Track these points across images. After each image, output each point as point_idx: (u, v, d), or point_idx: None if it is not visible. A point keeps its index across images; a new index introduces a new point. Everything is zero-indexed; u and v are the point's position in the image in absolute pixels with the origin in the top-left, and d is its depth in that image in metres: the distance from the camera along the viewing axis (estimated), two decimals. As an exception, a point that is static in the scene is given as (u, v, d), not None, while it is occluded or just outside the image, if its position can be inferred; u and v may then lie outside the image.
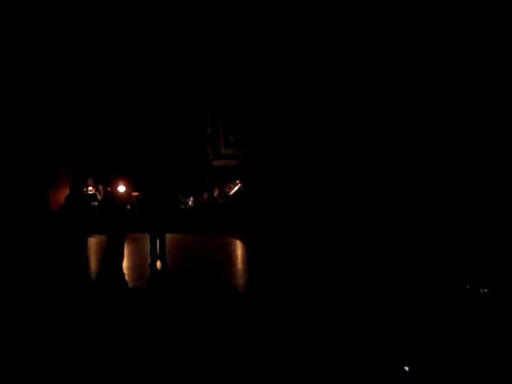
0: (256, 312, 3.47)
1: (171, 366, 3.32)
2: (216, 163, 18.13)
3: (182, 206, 16.29)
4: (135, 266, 10.99)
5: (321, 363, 3.01)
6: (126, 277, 8.28)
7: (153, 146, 17.11)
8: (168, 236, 11.05)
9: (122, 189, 14.76)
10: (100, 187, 16.04)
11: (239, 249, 12.43)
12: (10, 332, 3.35)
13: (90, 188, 16.18)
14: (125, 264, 10.88)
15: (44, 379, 3.06)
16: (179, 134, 17.90)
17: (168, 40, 14.78)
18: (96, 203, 13.89)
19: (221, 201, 16.40)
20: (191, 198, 16.30)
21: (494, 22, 9.02)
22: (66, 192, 10.82)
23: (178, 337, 3.53)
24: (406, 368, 2.88)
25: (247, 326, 3.58)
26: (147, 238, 10.90)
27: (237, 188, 16.17)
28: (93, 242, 12.76)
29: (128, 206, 12.87)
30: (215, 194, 16.41)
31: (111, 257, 8.57)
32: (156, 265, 10.66)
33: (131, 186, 15.99)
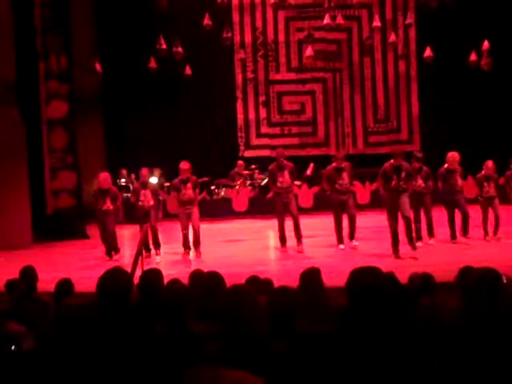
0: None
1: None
2: (247, 154, 18.05)
3: (215, 197, 16.27)
4: (168, 255, 10.99)
5: None
6: (160, 266, 8.27)
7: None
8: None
9: (154, 180, 14.77)
10: (133, 178, 16.10)
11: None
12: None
13: (124, 180, 16.23)
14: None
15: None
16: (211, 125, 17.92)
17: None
18: (129, 194, 13.90)
19: (252, 192, 16.33)
20: (223, 189, 16.26)
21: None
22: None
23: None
24: None
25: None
26: (178, 226, 10.83)
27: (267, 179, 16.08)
28: (126, 233, 12.83)
29: (161, 197, 12.88)
30: (246, 184, 16.33)
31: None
32: (190, 254, 10.62)
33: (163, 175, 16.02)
